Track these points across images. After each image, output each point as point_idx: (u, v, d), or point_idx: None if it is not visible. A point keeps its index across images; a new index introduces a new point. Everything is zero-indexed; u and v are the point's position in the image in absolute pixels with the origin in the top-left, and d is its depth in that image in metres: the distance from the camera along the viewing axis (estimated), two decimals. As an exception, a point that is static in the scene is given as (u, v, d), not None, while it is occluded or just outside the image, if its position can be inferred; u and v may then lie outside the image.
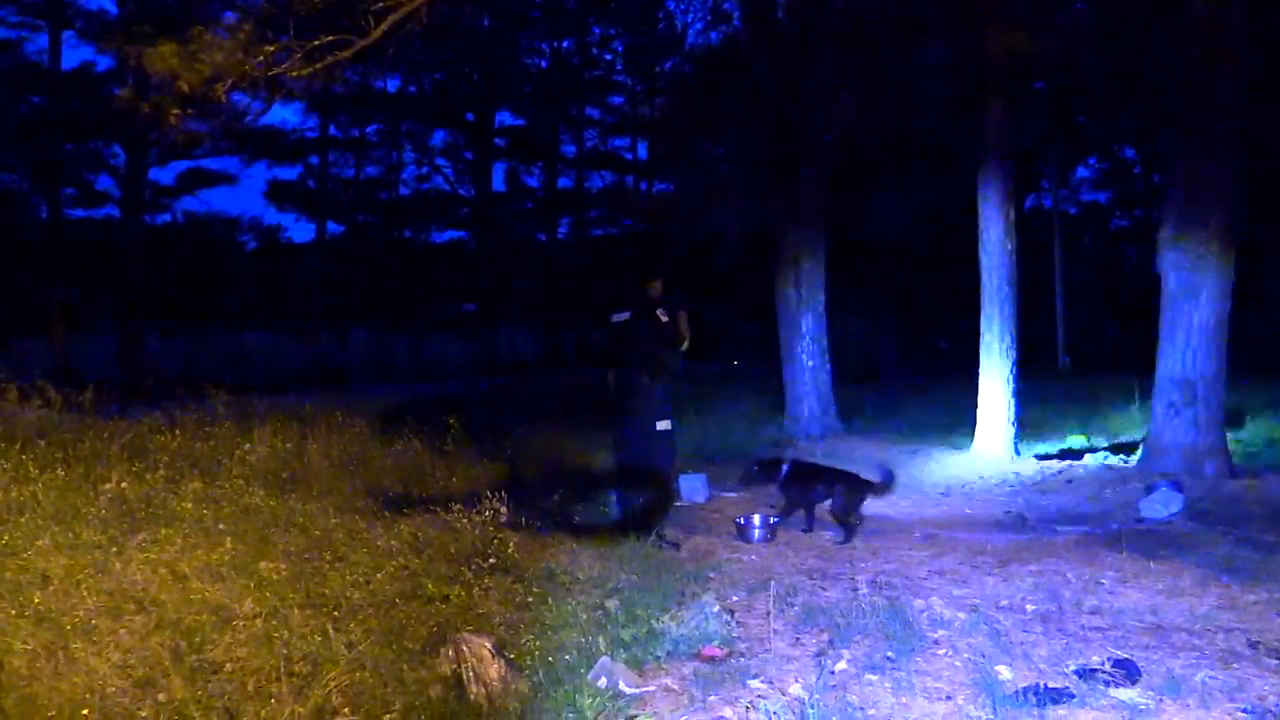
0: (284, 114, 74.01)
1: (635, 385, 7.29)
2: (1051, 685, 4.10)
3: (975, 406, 11.19)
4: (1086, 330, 27.17)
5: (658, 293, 7.32)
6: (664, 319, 7.22)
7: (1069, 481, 9.22)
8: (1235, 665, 4.45)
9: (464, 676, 3.92)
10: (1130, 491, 8.27)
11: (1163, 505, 7.53)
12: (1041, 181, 29.51)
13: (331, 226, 31.00)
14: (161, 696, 3.69)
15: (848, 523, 7.13)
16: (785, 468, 7.48)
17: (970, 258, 11.29)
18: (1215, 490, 8.25)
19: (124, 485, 6.89)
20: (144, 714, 3.46)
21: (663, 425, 7.30)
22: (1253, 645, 4.74)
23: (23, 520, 6.00)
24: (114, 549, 5.60)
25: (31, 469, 6.98)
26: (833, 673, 4.34)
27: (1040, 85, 20.91)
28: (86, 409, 9.17)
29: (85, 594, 4.84)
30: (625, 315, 7.25)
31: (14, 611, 4.50)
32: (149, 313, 23.06)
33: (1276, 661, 4.50)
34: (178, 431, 8.72)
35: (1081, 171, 32.59)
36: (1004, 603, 5.41)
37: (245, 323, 31.53)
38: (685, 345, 7.39)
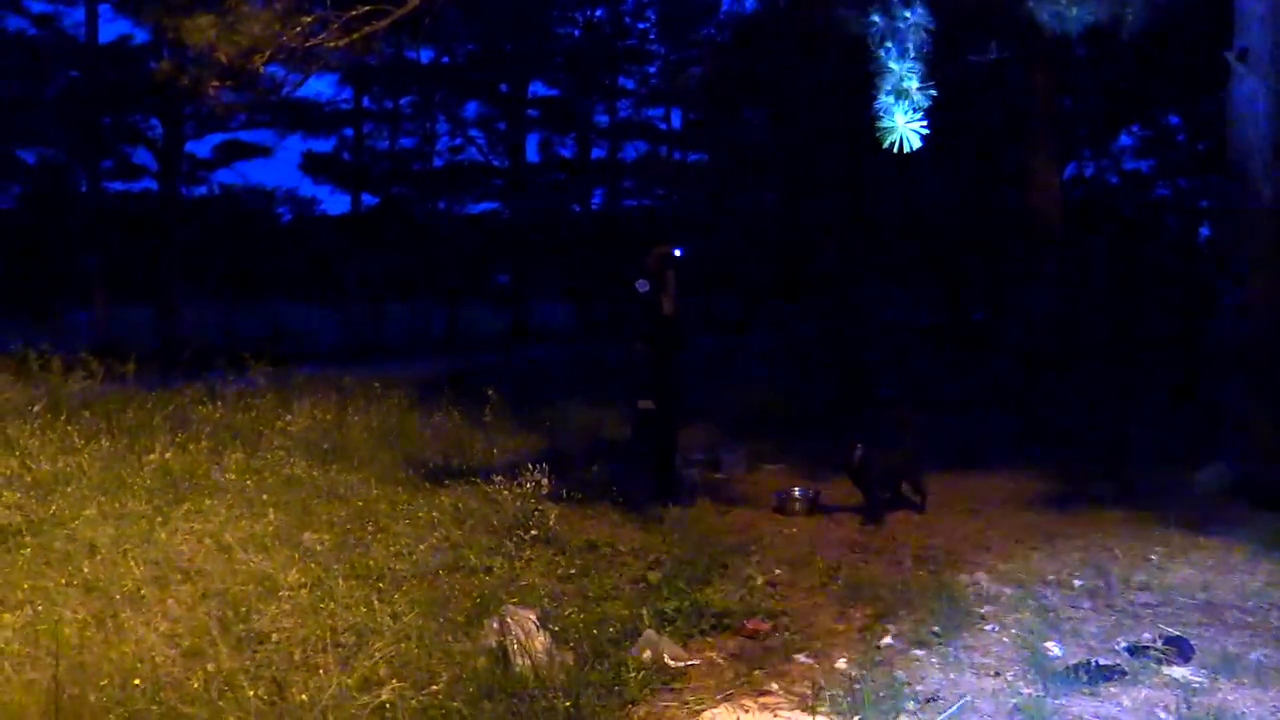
0: (319, 86, 74.08)
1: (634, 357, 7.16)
2: (1102, 663, 4.04)
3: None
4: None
5: (657, 258, 7.05)
6: (642, 290, 6.94)
7: (1120, 455, 9.07)
8: (1291, 641, 4.37)
9: (509, 649, 3.92)
10: (1183, 465, 8.11)
11: (1213, 479, 7.40)
12: (1082, 150, 28.97)
13: (366, 198, 31.07)
14: (210, 666, 3.71)
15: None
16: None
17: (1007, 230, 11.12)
18: (1267, 463, 8.07)
19: (167, 456, 6.99)
20: (194, 683, 3.46)
21: (643, 404, 6.98)
22: (1308, 624, 4.65)
23: (69, 490, 6.10)
24: (159, 519, 5.68)
25: (77, 439, 7.09)
26: (879, 647, 4.31)
27: (1082, 51, 20.48)
28: (129, 380, 9.28)
29: (132, 564, 4.89)
30: (646, 285, 7.03)
31: (63, 580, 4.56)
32: (187, 284, 23.30)
33: (1333, 640, 4.41)
34: (219, 402, 8.83)
35: (1123, 140, 31.95)
36: (1051, 578, 5.34)
37: (281, 294, 31.77)
38: (669, 311, 6.98)
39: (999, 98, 15.01)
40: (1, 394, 8.44)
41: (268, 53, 7.69)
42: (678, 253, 7.09)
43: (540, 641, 3.96)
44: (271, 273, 33.10)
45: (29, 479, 6.32)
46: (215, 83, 8.15)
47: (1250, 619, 4.70)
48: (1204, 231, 29.22)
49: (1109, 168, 31.76)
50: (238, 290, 30.29)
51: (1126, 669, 4.00)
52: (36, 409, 7.71)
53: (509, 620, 4.06)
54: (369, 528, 5.72)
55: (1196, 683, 3.89)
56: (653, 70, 32.22)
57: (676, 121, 32.77)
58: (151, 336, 20.84)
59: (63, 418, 7.57)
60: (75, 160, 24.10)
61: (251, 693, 3.39)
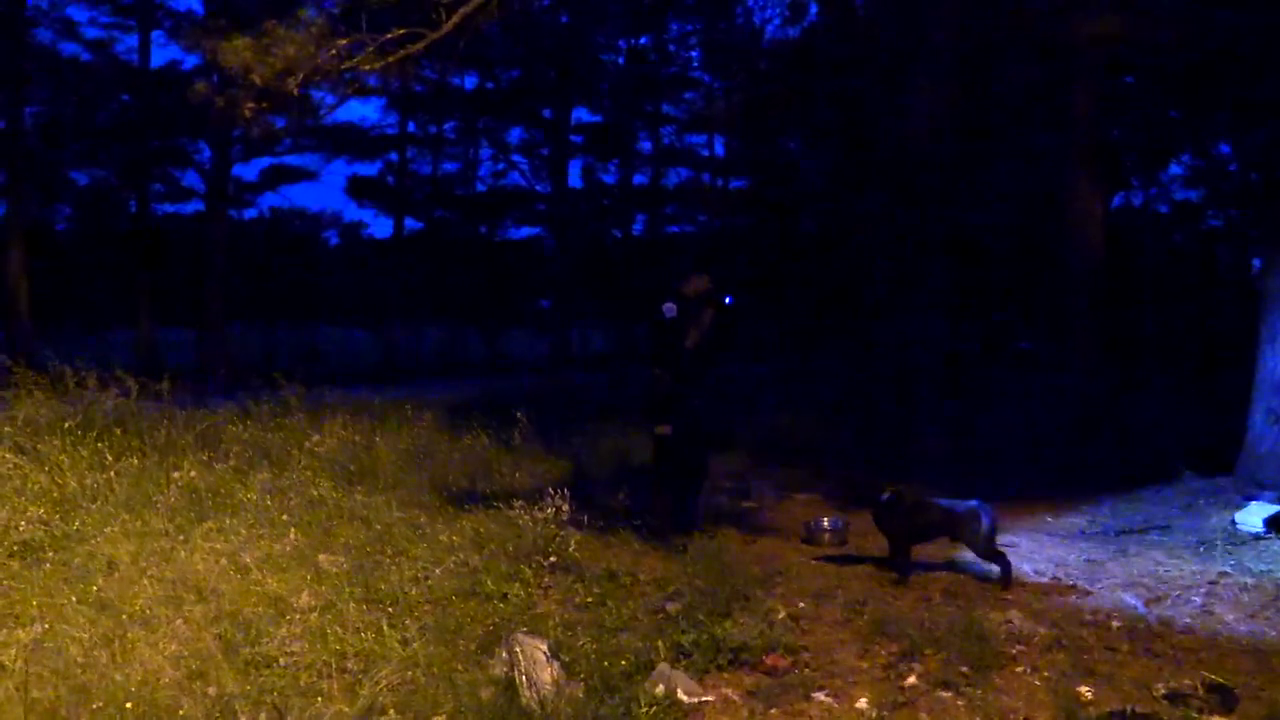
0: (363, 111, 75.60)
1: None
2: (1138, 710, 3.84)
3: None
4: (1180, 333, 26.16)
5: (696, 290, 6.84)
6: (668, 317, 6.75)
7: (1160, 490, 8.79)
8: (1343, 694, 4.13)
9: (517, 680, 3.81)
10: (1225, 502, 7.84)
11: (1259, 517, 7.11)
12: (1131, 179, 28.51)
13: (410, 222, 31.38)
14: (211, 690, 3.64)
15: (995, 554, 5.86)
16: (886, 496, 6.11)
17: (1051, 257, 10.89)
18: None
19: (194, 474, 6.97)
20: (188, 710, 3.38)
21: (660, 429, 6.74)
22: (1363, 673, 4.40)
23: (95, 507, 6.10)
24: (180, 537, 5.65)
25: (107, 456, 7.10)
26: (902, 688, 4.13)
27: (1130, 80, 20.18)
28: (165, 398, 9.33)
29: (148, 582, 4.86)
30: (674, 310, 6.87)
31: (75, 598, 4.52)
32: (231, 306, 23.57)
33: (1389, 691, 4.16)
34: (250, 422, 8.84)
35: (1173, 169, 31.40)
36: (1088, 617, 5.12)
37: (323, 317, 32.13)
38: (691, 344, 6.74)
39: (1041, 122, 14.79)
40: (36, 410, 8.50)
41: (302, 75, 7.71)
42: (728, 300, 7.00)
43: (550, 673, 3.85)
44: (314, 295, 33.49)
45: (56, 495, 6.34)
46: (251, 105, 8.18)
47: (1300, 667, 4.46)
48: (1256, 263, 28.57)
49: (1158, 197, 31.25)
50: (280, 312, 30.66)
51: (1165, 718, 3.79)
52: (69, 425, 7.74)
53: (519, 650, 3.96)
54: (387, 551, 5.65)
55: (1239, 734, 3.69)
56: (695, 97, 32.24)
57: (719, 148, 32.75)
58: (193, 357, 21.11)
59: (94, 434, 7.60)
60: (125, 182, 24.57)
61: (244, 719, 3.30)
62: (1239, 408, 8.95)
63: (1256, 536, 6.87)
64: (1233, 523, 7.14)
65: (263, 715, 3.49)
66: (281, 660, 4.02)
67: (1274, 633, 4.95)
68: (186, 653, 4.03)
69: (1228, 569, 6.00)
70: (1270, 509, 7.15)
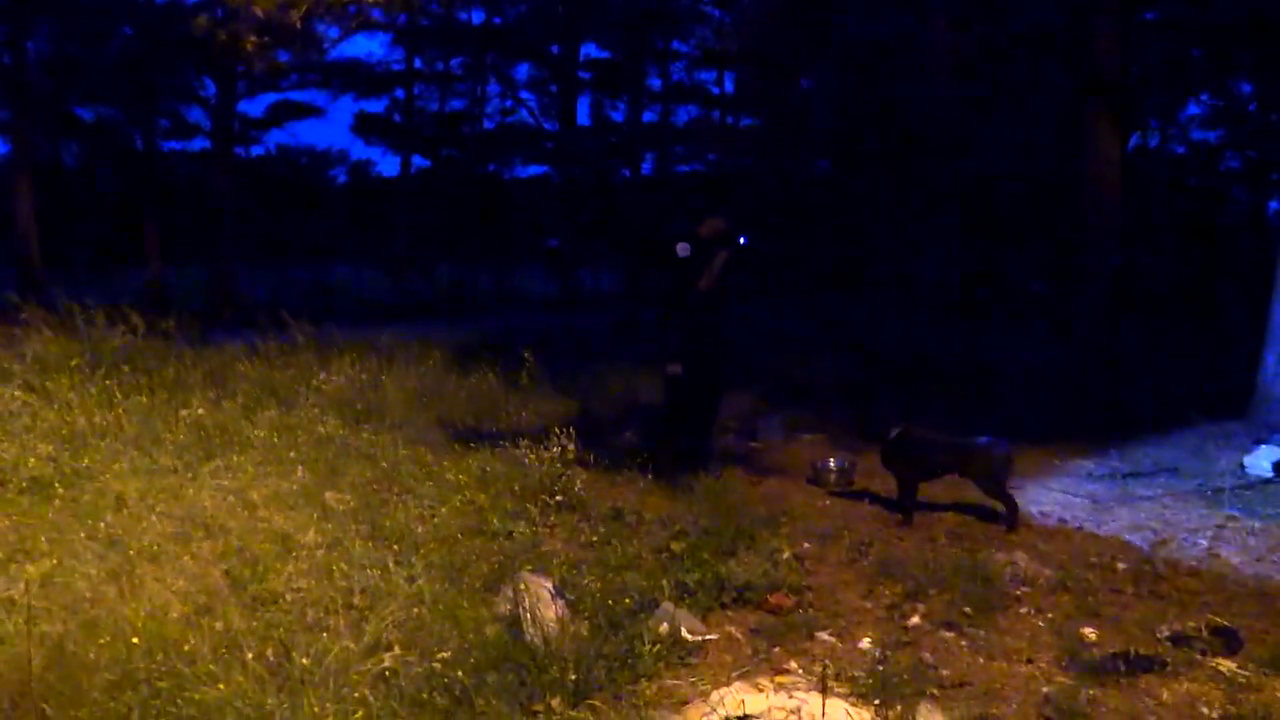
0: (370, 46, 74.64)
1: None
2: (1142, 653, 3.84)
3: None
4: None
5: (713, 230, 6.75)
6: (681, 257, 6.67)
7: (1168, 433, 8.76)
8: (1348, 637, 4.13)
9: (522, 617, 3.82)
10: (1235, 446, 7.80)
11: (1269, 461, 7.09)
12: (1149, 120, 28.03)
13: (417, 160, 31.14)
14: (218, 625, 3.66)
15: (1003, 494, 5.75)
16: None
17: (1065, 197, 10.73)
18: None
19: (201, 412, 6.99)
20: (194, 644, 3.40)
21: (671, 369, 6.70)
22: (1367, 616, 4.39)
23: (104, 444, 6.12)
24: (189, 474, 5.68)
25: (117, 394, 7.12)
26: (905, 628, 4.15)
27: (1152, 16, 19.76)
28: (174, 336, 9.33)
29: (156, 519, 4.88)
30: (687, 250, 6.78)
31: (84, 534, 4.55)
32: (240, 244, 23.49)
33: (1394, 634, 4.16)
34: (258, 360, 8.85)
35: (1191, 109, 30.85)
36: (1093, 559, 5.12)
37: (334, 255, 32.03)
38: (705, 285, 6.65)
39: (1062, 60, 14.49)
40: (45, 348, 8.50)
41: (305, 7, 7.58)
42: (742, 240, 6.91)
43: (554, 610, 3.86)
44: (323, 233, 33.38)
45: (65, 432, 6.36)
46: (254, 38, 8.08)
47: (1304, 609, 4.46)
48: (1273, 205, 28.19)
49: (1176, 137, 30.75)
50: (289, 251, 30.58)
51: (1168, 660, 3.80)
52: (77, 363, 7.75)
53: (524, 587, 3.97)
54: (394, 489, 5.68)
55: (1243, 677, 3.69)
56: (706, 32, 31.69)
57: (729, 85, 32.28)
58: (204, 295, 21.10)
59: (102, 372, 7.62)
60: (131, 119, 24.37)
61: (250, 655, 3.32)
62: (1252, 352, 8.89)
63: (1265, 481, 6.86)
64: (1241, 466, 7.12)
65: (269, 650, 3.52)
66: (288, 597, 4.05)
67: (1278, 576, 4.94)
68: (194, 588, 4.06)
69: (1235, 513, 5.98)
70: (1278, 453, 7.13)
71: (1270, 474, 6.95)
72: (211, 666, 3.29)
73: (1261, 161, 28.76)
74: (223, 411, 7.09)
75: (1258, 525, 5.73)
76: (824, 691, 3.30)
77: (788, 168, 25.01)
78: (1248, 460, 7.17)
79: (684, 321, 6.66)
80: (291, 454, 6.05)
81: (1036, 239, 20.49)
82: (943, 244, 12.83)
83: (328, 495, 5.38)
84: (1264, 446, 7.31)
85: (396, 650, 3.44)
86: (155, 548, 4.48)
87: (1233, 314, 14.86)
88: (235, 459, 5.91)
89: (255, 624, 3.73)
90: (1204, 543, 5.44)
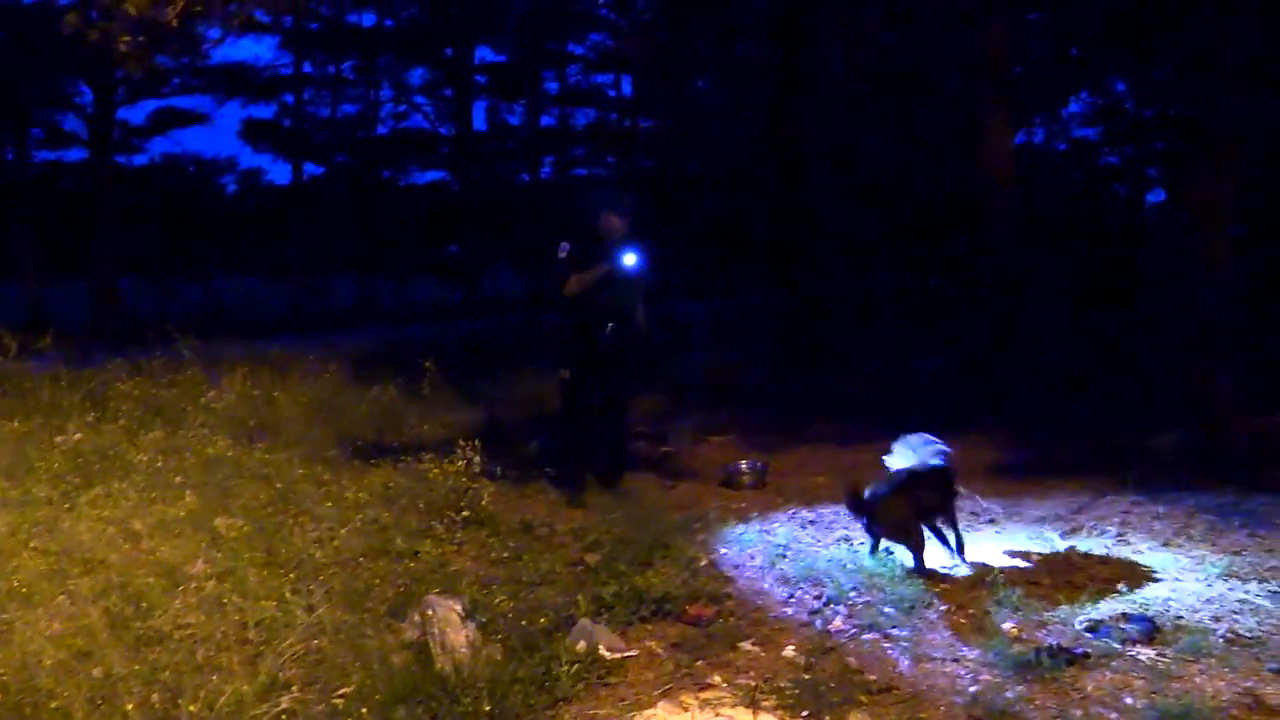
0: (257, 50, 72.51)
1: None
2: (1063, 645, 3.81)
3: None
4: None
5: (608, 230, 6.31)
6: (562, 254, 6.26)
7: (1072, 421, 8.94)
8: (1256, 618, 4.18)
9: (430, 644, 3.61)
10: (1138, 429, 7.96)
11: (1169, 445, 7.26)
12: (1032, 117, 28.91)
13: (310, 168, 30.32)
14: (97, 671, 3.37)
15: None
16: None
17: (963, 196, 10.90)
18: (1224, 429, 7.96)
19: (79, 436, 6.57)
20: (69, 694, 3.10)
21: (562, 373, 6.40)
22: (1272, 596, 4.46)
23: (-32, 476, 5.67)
24: (65, 505, 5.29)
25: (-18, 421, 6.65)
26: (829, 632, 4.06)
27: (1034, 16, 20.34)
28: (50, 357, 8.80)
29: (28, 556, 4.52)
30: (567, 249, 6.27)
31: (-56, 577, 4.17)
32: (124, 258, 22.52)
33: (1300, 614, 4.23)
34: (142, 379, 8.38)
35: (1072, 107, 31.94)
36: (1008, 552, 5.12)
37: (224, 267, 30.99)
38: (572, 289, 6.23)
39: (954, 58, 14.77)
40: (-96, 373, 7.93)
41: (181, 5, 7.19)
42: (631, 257, 6.22)
43: (465, 634, 3.66)
44: (214, 244, 32.25)
45: (-76, 464, 5.88)
46: (127, 38, 7.63)
47: (1212, 592, 4.51)
48: (1150, 198, 29.35)
49: (1058, 134, 31.80)
50: (177, 263, 29.46)
51: (1090, 650, 3.78)
52: (-61, 388, 7.23)
53: (432, 611, 3.76)
54: (290, 510, 5.37)
55: (1163, 664, 3.68)
56: (601, 37, 31.63)
57: (627, 88, 32.25)
58: (85, 312, 20.13)
59: (-33, 398, 7.12)
60: (1, 128, 23.15)
61: (131, 704, 3.04)
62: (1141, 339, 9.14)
63: (1166, 466, 7.00)
64: (1144, 450, 7.26)
65: (154, 696, 3.24)
66: (175, 635, 3.75)
67: (1185, 560, 5.01)
68: (70, 631, 3.73)
69: (1140, 498, 6.07)
70: (1179, 438, 7.31)
71: (1171, 459, 7.11)
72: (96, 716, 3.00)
73: (1137, 157, 29.87)
74: (103, 435, 6.66)
75: (1162, 510, 5.82)
76: (752, 706, 3.17)
77: (689, 170, 25.09)
78: (1152, 441, 7.34)
79: (569, 325, 6.35)
80: (178, 478, 5.67)
81: (937, 237, 20.88)
82: (845, 245, 12.93)
83: (218, 521, 5.06)
84: (1166, 432, 7.50)
85: (295, 689, 3.20)
86: (26, 589, 4.12)
87: (1130, 303, 15.32)
88: (116, 486, 5.53)
89: (139, 667, 3.43)
90: (1113, 530, 5.49)
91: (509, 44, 30.86)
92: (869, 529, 4.95)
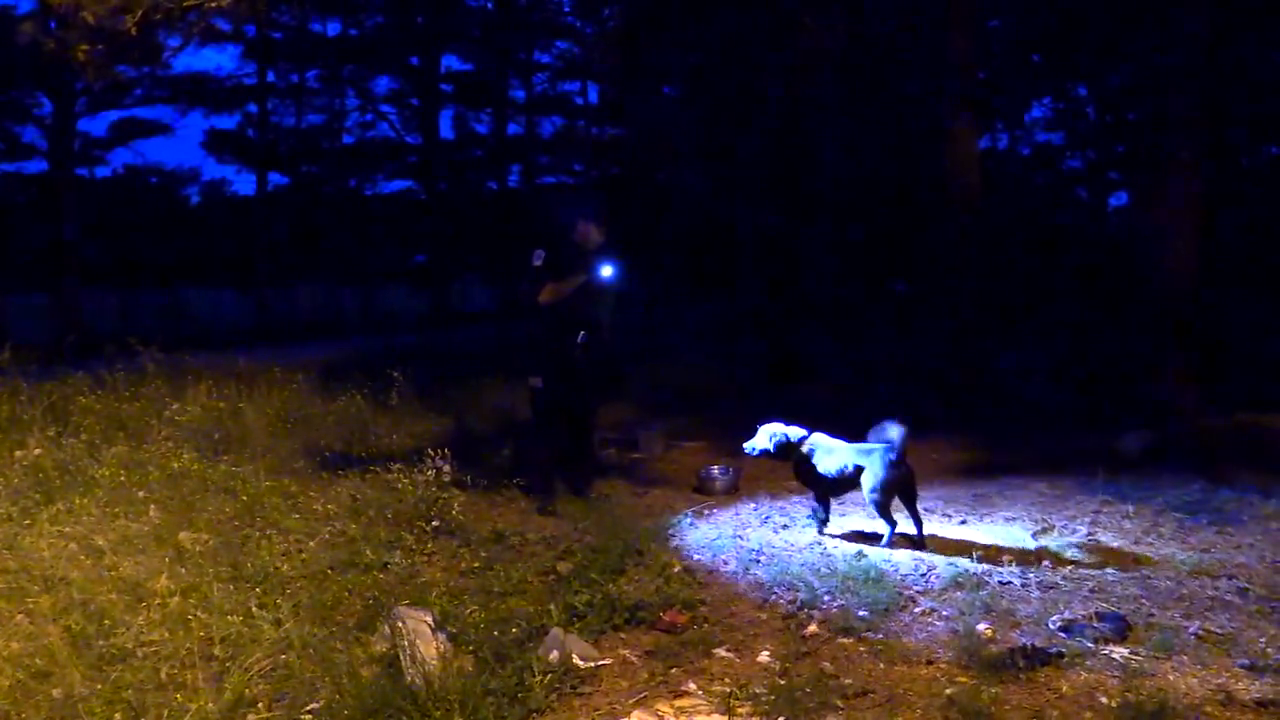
0: (219, 59, 71.90)
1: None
2: (1037, 645, 3.81)
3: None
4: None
5: (584, 239, 6.22)
6: (536, 262, 6.11)
7: (1039, 422, 9.00)
8: (1226, 614, 4.21)
9: (400, 657, 3.55)
10: (1105, 431, 8.03)
11: (1135, 445, 7.32)
12: (996, 122, 29.19)
13: (275, 178, 30.05)
14: (57, 692, 3.28)
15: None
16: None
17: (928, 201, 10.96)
18: (1190, 428, 8.05)
19: (40, 451, 6.43)
20: (28, 715, 3.02)
21: (531, 381, 6.26)
22: (1241, 592, 4.50)
23: (-75, 495, 5.53)
24: (25, 522, 5.17)
25: (-61, 438, 6.49)
26: (804, 637, 4.03)
27: (996, 23, 20.56)
28: (8, 371, 8.62)
29: (-14, 575, 4.40)
30: (540, 257, 6.14)
31: (-101, 598, 4.05)
32: (86, 270, 22.17)
33: (1269, 609, 4.26)
34: (104, 392, 8.23)
35: (1036, 112, 32.28)
36: (980, 553, 5.11)
37: (188, 278, 30.63)
38: (547, 299, 6.11)
39: (920, 64, 14.88)
40: None
41: (140, 13, 7.08)
42: (608, 269, 6.15)
43: (436, 647, 3.59)
44: (177, 256, 31.89)
45: (-123, 484, 5.73)
46: (85, 47, 7.51)
47: (1183, 590, 4.54)
48: (1113, 201, 29.70)
49: (1021, 139, 32.15)
50: (141, 275, 29.10)
51: (1064, 650, 3.78)
52: (-107, 405, 7.06)
53: (402, 623, 3.69)
54: (256, 524, 5.28)
55: (1136, 662, 3.69)
56: (568, 45, 31.62)
57: (593, 96, 32.27)
58: (46, 325, 19.79)
59: (-77, 414, 6.95)
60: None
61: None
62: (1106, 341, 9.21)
63: (1133, 464, 7.07)
64: (1111, 451, 7.32)
65: (117, 716, 3.16)
66: (139, 652, 3.66)
67: (1155, 558, 5.04)
68: (29, 650, 3.64)
69: (1109, 497, 6.11)
70: (1146, 437, 7.38)
71: (1138, 458, 7.17)
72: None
73: (1099, 161, 30.22)
74: (64, 450, 6.51)
75: (1130, 509, 5.86)
76: (728, 713, 3.14)
77: (658, 178, 25.05)
78: (1119, 443, 7.39)
79: (541, 333, 6.24)
80: (141, 493, 5.55)
81: (901, 241, 21.01)
82: (815, 249, 12.94)
83: (183, 536, 4.96)
84: (1132, 430, 7.56)
85: (262, 706, 3.13)
86: (-15, 607, 4.02)
87: (1095, 305, 15.49)
88: (78, 501, 5.41)
89: (100, 687, 3.35)
90: (1083, 529, 5.52)
91: (475, 52, 30.81)
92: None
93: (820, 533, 5.60)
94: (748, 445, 5.75)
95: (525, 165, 33.34)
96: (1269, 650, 3.83)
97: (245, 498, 5.60)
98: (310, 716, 3.13)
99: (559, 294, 6.11)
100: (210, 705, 3.10)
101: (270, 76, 27.99)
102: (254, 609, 3.99)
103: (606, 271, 6.16)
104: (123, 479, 5.83)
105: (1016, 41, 22.86)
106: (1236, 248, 14.24)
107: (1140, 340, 8.99)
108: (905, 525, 5.35)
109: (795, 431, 5.63)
